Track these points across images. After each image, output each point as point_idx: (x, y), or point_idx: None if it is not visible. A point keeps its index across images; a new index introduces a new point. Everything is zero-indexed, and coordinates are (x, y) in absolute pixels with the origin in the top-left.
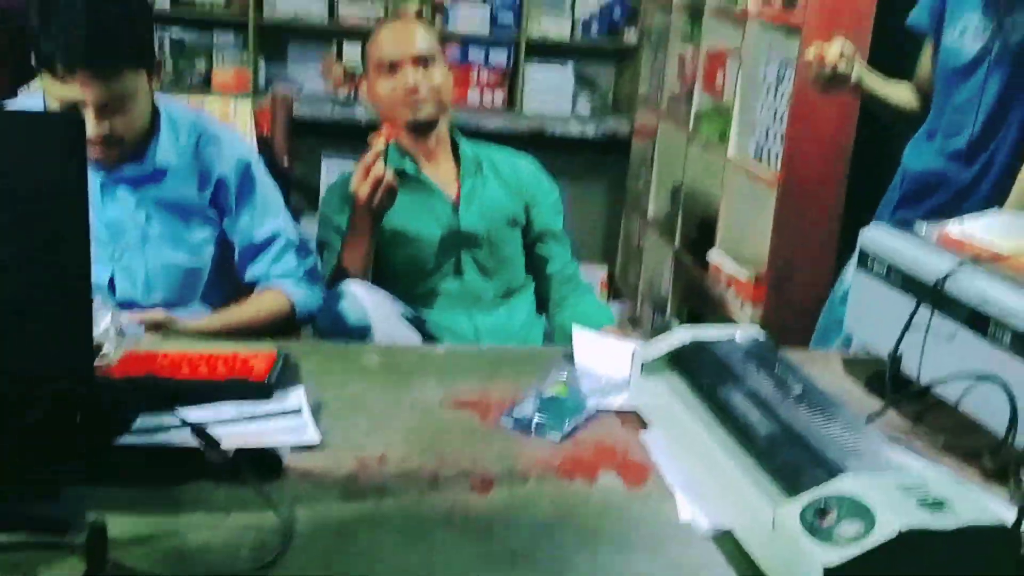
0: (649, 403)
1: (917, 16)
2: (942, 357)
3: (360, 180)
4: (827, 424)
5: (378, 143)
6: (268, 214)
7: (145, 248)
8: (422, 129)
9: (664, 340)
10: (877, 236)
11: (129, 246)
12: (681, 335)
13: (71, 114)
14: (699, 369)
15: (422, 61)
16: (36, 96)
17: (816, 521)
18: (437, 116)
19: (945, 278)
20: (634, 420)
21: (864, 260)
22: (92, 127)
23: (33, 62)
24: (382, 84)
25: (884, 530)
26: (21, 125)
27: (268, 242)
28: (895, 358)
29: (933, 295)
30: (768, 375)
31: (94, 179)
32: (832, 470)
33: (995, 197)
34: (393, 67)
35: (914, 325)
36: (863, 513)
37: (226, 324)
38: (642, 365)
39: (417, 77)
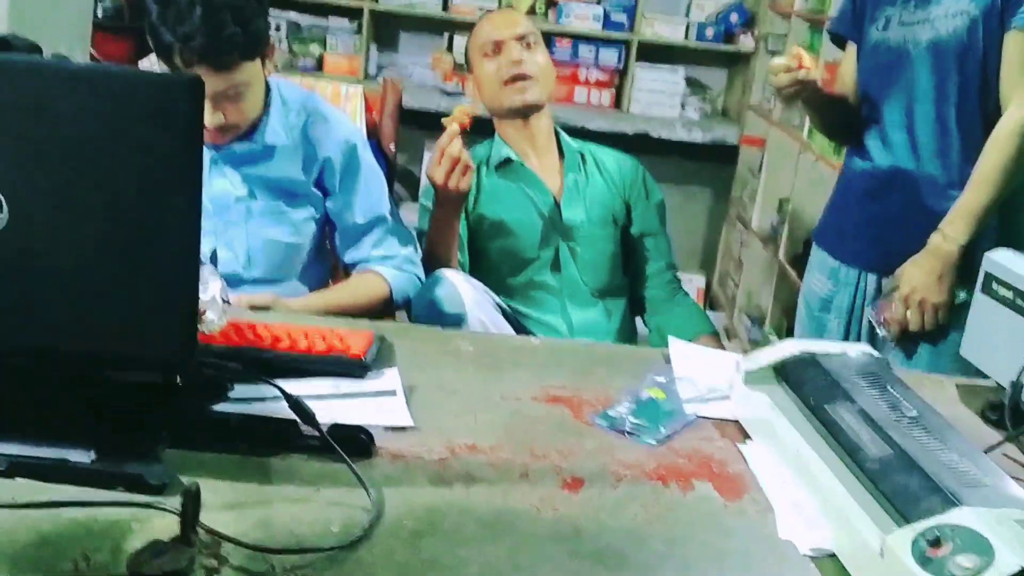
0: (751, 414)
1: (837, 23)
2: None
3: (436, 163)
4: (943, 451)
5: (452, 126)
6: (371, 198)
7: (248, 223)
8: (526, 113)
9: (770, 350)
10: (1004, 259)
11: (232, 221)
12: (788, 346)
13: (190, 76)
14: (807, 383)
15: (525, 41)
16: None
17: (928, 551)
18: (542, 99)
19: None
20: (734, 430)
21: (988, 284)
22: (208, 116)
23: (152, 49)
24: (486, 67)
25: (1005, 567)
26: (140, 85)
27: (370, 226)
28: (1017, 388)
29: None
30: (881, 394)
31: (203, 154)
32: (948, 499)
33: (952, 184)
34: (497, 46)
35: None
36: (982, 548)
37: (326, 305)
38: (746, 374)
39: (522, 53)
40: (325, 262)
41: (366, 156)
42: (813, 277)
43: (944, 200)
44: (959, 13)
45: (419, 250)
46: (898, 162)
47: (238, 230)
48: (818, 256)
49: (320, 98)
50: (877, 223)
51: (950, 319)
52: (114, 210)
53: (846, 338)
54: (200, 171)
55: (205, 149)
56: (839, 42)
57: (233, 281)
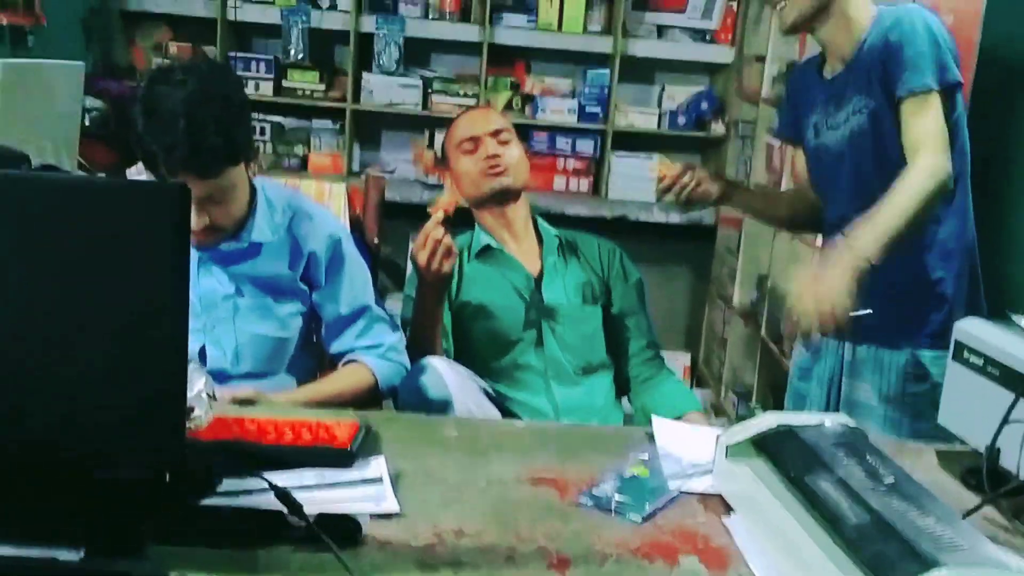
0: (733, 488)
1: (781, 128)
2: None
3: (419, 247)
4: (921, 516)
5: (437, 213)
6: (355, 289)
7: (236, 320)
8: (504, 198)
9: (750, 424)
10: (973, 328)
11: (220, 318)
12: (767, 419)
13: (177, 184)
14: (787, 455)
15: (499, 136)
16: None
17: None
18: (517, 186)
19: None
20: (717, 504)
21: (959, 352)
22: (194, 219)
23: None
24: (464, 161)
25: None
26: (128, 194)
27: (354, 316)
28: (993, 452)
29: None
30: (859, 464)
31: (191, 256)
32: (927, 563)
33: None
34: (473, 142)
35: (1013, 418)
36: None
37: (311, 398)
38: (727, 448)
39: (497, 148)
40: (313, 354)
41: (350, 249)
42: (797, 347)
43: (898, 267)
44: (860, 109)
45: (404, 338)
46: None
47: (226, 327)
48: None
49: (304, 196)
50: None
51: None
52: (104, 315)
53: (827, 406)
54: (187, 277)
55: (192, 250)
56: (790, 143)
57: (222, 377)
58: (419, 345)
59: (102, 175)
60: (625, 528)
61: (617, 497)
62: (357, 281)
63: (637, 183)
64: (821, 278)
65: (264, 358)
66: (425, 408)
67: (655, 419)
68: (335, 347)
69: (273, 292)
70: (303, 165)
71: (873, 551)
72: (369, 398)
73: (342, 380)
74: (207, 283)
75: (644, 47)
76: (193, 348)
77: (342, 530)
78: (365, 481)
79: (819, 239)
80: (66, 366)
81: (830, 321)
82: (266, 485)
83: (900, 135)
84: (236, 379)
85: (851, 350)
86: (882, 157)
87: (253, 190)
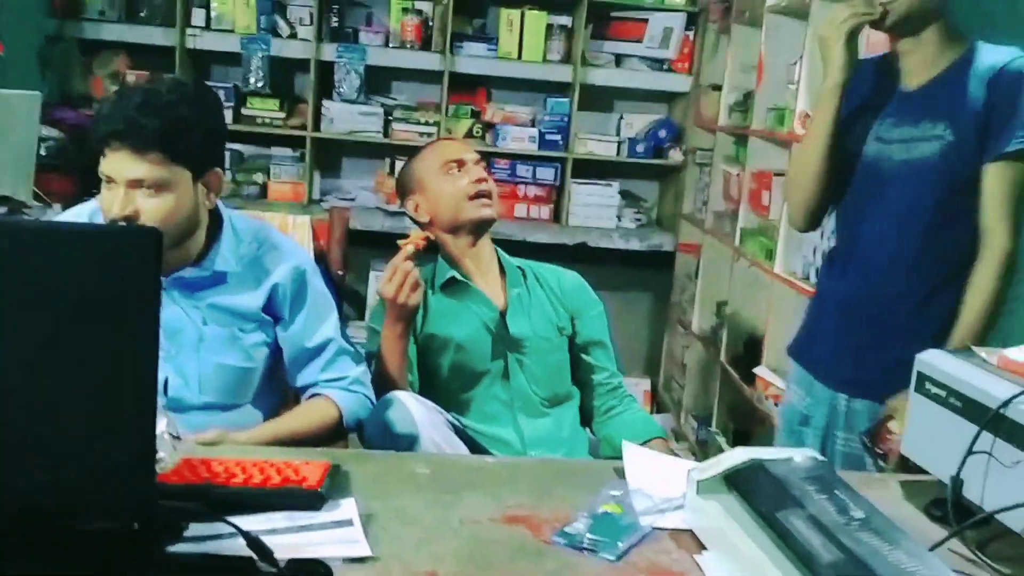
0: (705, 524)
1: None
2: (1006, 483)
3: (386, 280)
4: (891, 551)
5: (407, 247)
6: (320, 321)
7: (200, 349)
8: (484, 228)
9: (720, 460)
10: (935, 360)
11: (184, 347)
12: (737, 455)
13: (147, 229)
14: (758, 491)
15: (481, 164)
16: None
17: None
18: (496, 217)
19: (1007, 403)
20: (689, 541)
21: (921, 384)
22: (117, 204)
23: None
24: (448, 182)
25: None
26: (98, 240)
27: (318, 349)
28: (957, 484)
29: (995, 420)
30: (829, 499)
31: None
32: None
33: (919, 305)
34: (460, 165)
35: (975, 450)
36: None
37: (275, 435)
38: (698, 484)
39: (483, 173)
40: (278, 387)
41: (315, 282)
42: (791, 391)
43: (913, 319)
44: (935, 137)
45: (368, 371)
46: (868, 282)
47: (189, 356)
48: (795, 370)
49: (272, 227)
50: (847, 343)
51: None
52: (71, 361)
53: (822, 454)
54: (158, 322)
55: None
56: None
57: (184, 407)
58: (385, 380)
59: (57, 206)
60: (599, 566)
61: (589, 535)
62: (322, 313)
63: (597, 210)
64: None
65: (229, 389)
66: (392, 443)
67: (626, 444)
68: (299, 380)
69: (239, 321)
70: (263, 193)
71: None
72: (334, 432)
73: (306, 416)
74: (171, 311)
75: (603, 76)
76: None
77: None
78: (336, 524)
79: (777, 267)
80: (33, 414)
81: None
82: (235, 530)
83: (972, 186)
84: (199, 410)
85: (845, 401)
86: (935, 205)
87: (219, 219)
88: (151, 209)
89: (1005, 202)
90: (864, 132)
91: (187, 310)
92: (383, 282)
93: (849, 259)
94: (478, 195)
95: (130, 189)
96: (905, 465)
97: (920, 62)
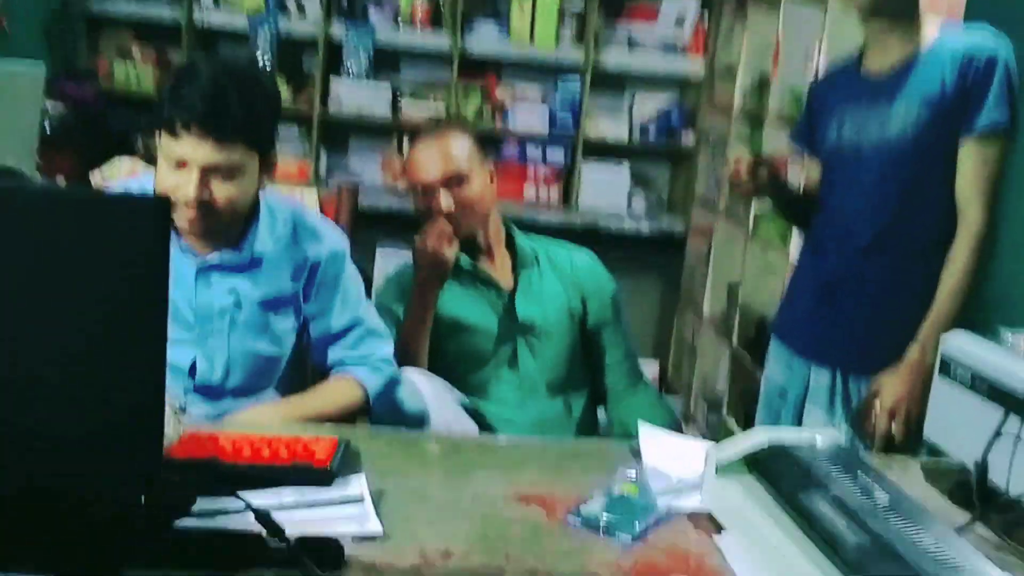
0: (725, 506)
1: (795, 136)
2: None
3: (427, 235)
4: (918, 535)
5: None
6: (353, 302)
7: (231, 335)
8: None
9: (739, 440)
10: (961, 343)
11: (215, 332)
12: (758, 436)
13: (159, 197)
14: (780, 473)
15: (455, 181)
16: (143, 180)
17: None
18: (473, 232)
19: None
20: (708, 523)
21: (946, 367)
22: (192, 189)
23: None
24: (421, 202)
25: None
26: (108, 207)
27: (347, 328)
28: (983, 468)
29: (1022, 404)
30: (853, 482)
31: (190, 266)
32: None
33: (898, 280)
34: (425, 190)
35: (1002, 434)
36: None
37: (301, 415)
38: (717, 465)
39: (448, 201)
40: (300, 370)
41: (348, 262)
42: (771, 366)
43: (888, 295)
44: (908, 116)
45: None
46: (847, 257)
47: (219, 341)
48: (775, 346)
49: (307, 208)
50: (828, 318)
51: None
52: (80, 330)
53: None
54: (167, 292)
55: (192, 260)
56: (802, 151)
57: (210, 392)
58: (406, 352)
59: (62, 180)
60: (615, 548)
61: (605, 516)
62: (352, 294)
63: (607, 192)
64: (910, 398)
65: (255, 374)
66: (401, 421)
67: (641, 425)
68: (328, 359)
69: (272, 307)
70: None
71: (874, 573)
72: (358, 410)
73: (331, 395)
74: (205, 295)
75: (615, 58)
76: (185, 362)
77: (324, 553)
78: (346, 500)
79: (791, 251)
80: (40, 386)
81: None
82: (243, 505)
83: (944, 165)
84: (225, 395)
85: (827, 375)
86: (911, 182)
87: (256, 201)
88: (224, 194)
89: (978, 180)
90: (841, 121)
91: (220, 294)
92: (420, 238)
93: (826, 237)
94: (439, 236)
95: (205, 173)
96: (888, 447)
97: (891, 44)
